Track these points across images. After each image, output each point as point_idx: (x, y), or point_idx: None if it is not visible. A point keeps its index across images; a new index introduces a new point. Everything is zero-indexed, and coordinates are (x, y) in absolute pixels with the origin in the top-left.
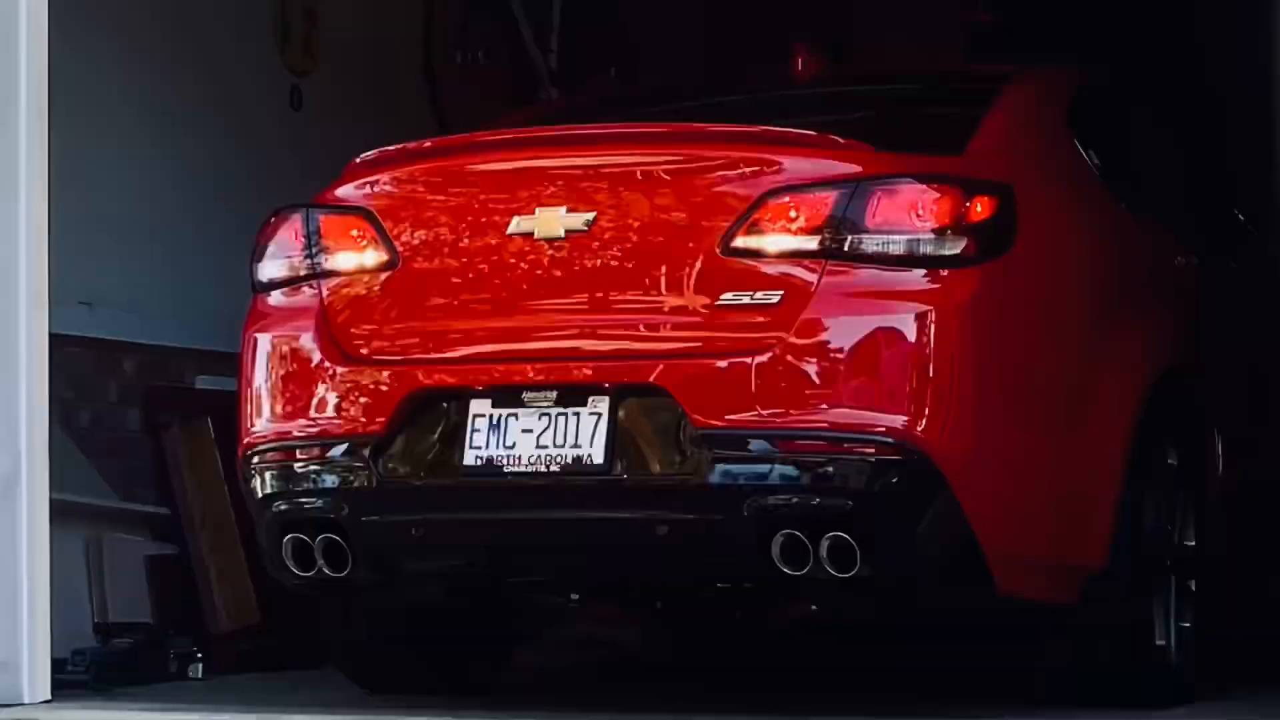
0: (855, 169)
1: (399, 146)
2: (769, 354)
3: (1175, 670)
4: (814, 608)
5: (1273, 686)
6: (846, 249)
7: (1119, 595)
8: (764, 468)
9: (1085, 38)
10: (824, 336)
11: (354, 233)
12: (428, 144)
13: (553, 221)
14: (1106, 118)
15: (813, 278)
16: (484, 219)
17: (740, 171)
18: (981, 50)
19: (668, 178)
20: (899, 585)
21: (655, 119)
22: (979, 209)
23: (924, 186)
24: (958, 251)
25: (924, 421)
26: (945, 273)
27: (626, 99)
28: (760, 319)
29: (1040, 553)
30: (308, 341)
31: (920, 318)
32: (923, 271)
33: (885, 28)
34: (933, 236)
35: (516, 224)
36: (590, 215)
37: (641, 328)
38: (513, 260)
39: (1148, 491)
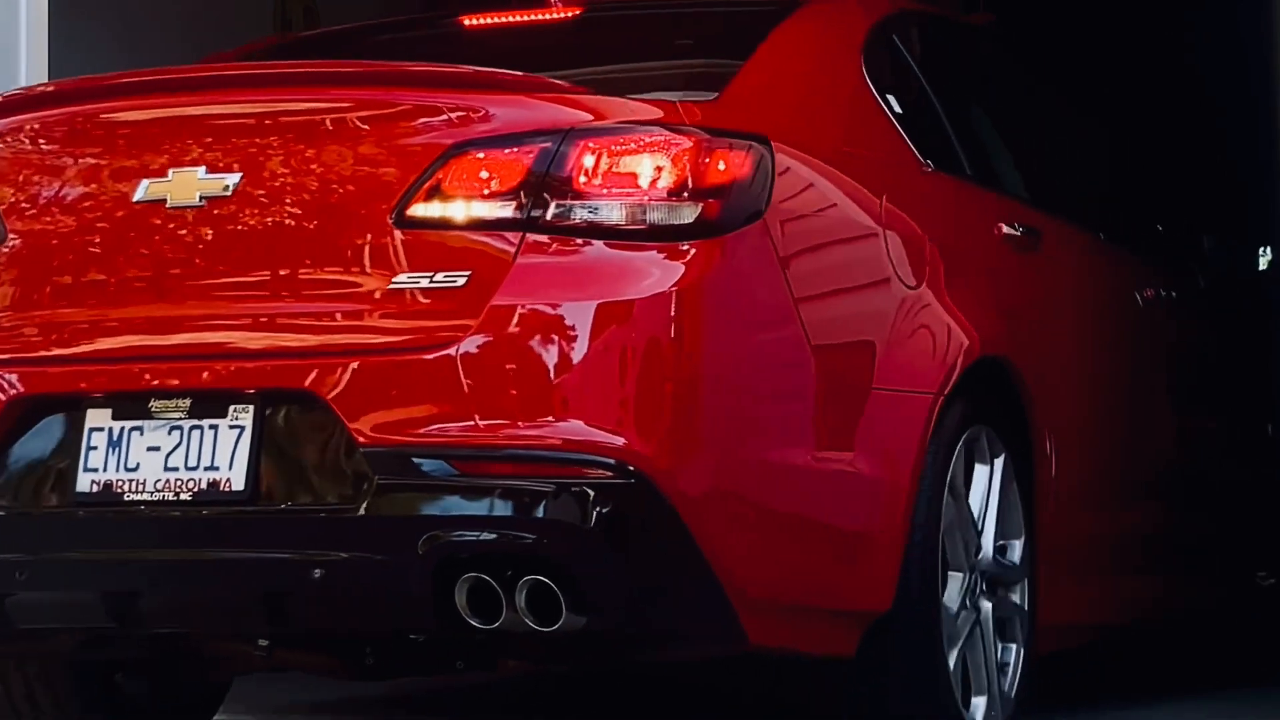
0: (566, 117)
1: (15, 91)
2: (449, 352)
3: None
4: (540, 663)
5: None
6: (550, 218)
7: (907, 644)
8: (442, 496)
9: (1086, 39)
10: (517, 329)
11: None
12: (50, 87)
13: (188, 185)
14: (924, 61)
15: (508, 254)
16: (111, 182)
17: (423, 121)
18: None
19: (335, 129)
20: (622, 639)
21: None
22: (721, 165)
23: (649, 138)
24: (691, 220)
25: (644, 436)
26: (675, 246)
27: (343, 37)
28: (441, 307)
29: (804, 596)
30: None
31: (640, 304)
32: (647, 245)
33: None
34: (660, 201)
35: (146, 189)
36: (235, 177)
37: (295, 319)
38: (142, 235)
39: (952, 513)
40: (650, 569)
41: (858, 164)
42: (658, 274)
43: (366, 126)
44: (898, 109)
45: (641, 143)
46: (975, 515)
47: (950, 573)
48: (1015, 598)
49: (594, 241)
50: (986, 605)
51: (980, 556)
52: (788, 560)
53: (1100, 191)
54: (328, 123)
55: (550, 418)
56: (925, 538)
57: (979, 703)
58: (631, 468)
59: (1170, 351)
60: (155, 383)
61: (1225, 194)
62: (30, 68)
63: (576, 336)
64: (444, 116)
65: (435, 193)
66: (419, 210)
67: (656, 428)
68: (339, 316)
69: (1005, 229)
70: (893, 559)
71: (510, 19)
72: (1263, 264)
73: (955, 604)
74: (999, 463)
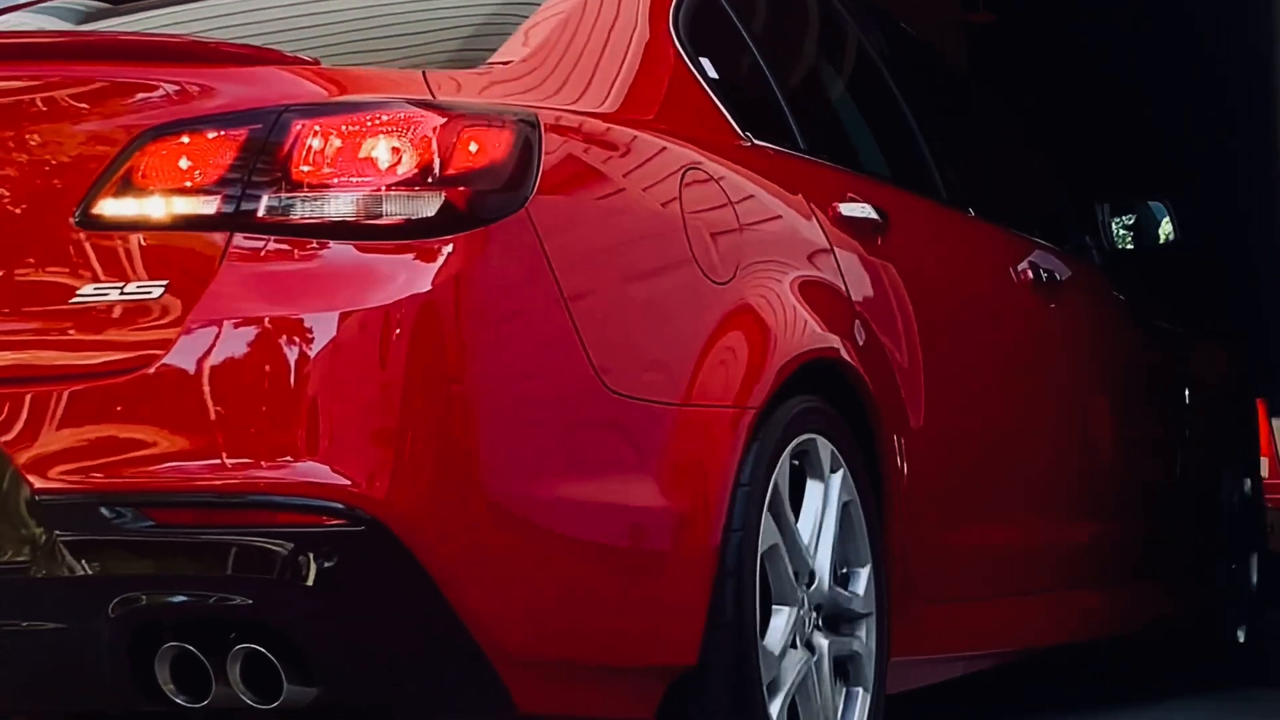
0: (288, 92)
1: None
2: (140, 377)
3: None
4: None
5: None
6: (263, 213)
7: (718, 702)
8: (134, 552)
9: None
10: (218, 349)
11: None
12: None
13: None
14: (756, 22)
15: (211, 259)
16: None
17: (121, 101)
18: (982, 50)
19: (17, 112)
20: (365, 712)
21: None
22: (473, 147)
23: (385, 116)
24: (434, 212)
25: (375, 473)
26: (415, 244)
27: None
28: (132, 324)
29: (587, 653)
30: None
31: (366, 316)
32: (380, 244)
33: None
34: (398, 190)
35: None
36: None
37: None
38: None
39: (775, 541)
40: (388, 631)
41: (655, 138)
42: (391, 278)
43: (55, 109)
44: (714, 75)
45: (375, 121)
46: (806, 541)
47: (775, 608)
48: (860, 632)
49: (318, 241)
50: (823, 643)
51: (814, 588)
52: (566, 613)
53: (972, 162)
54: (9, 104)
55: (261, 455)
56: (739, 576)
57: None
58: (362, 512)
59: (1058, 339)
60: None
61: (1148, 163)
62: None
63: (290, 356)
64: (144, 95)
65: (126, 186)
66: (107, 208)
67: (391, 463)
68: (13, 337)
69: (843, 209)
70: (697, 604)
71: None
72: (1163, 236)
73: (780, 645)
74: (836, 478)
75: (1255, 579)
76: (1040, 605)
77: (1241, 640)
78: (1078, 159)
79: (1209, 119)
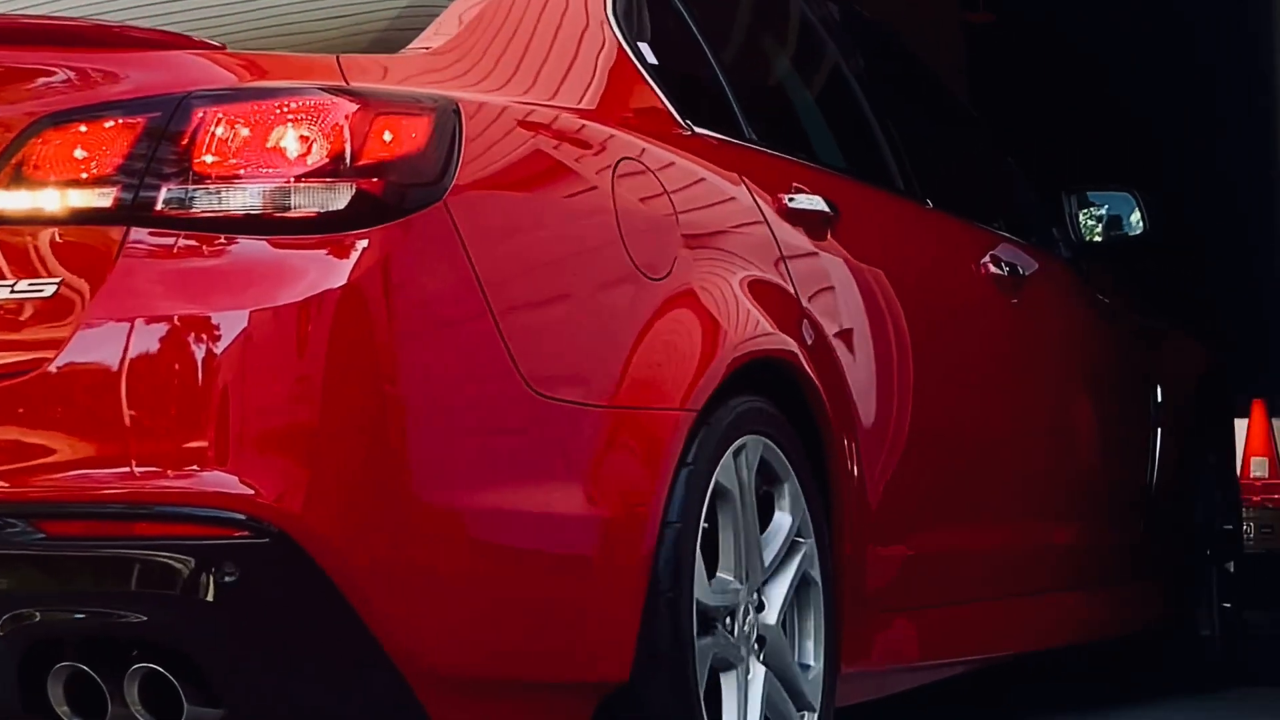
0: (192, 78)
1: None
2: (30, 380)
3: None
4: None
5: None
6: (162, 206)
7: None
8: (23, 566)
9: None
10: (117, 350)
11: None
12: None
13: None
14: (702, 6)
15: (107, 255)
16: None
17: (15, 88)
18: (982, 50)
19: None
20: None
21: None
22: (387, 136)
23: (293, 103)
24: (345, 205)
25: (282, 482)
26: (325, 239)
27: None
28: (22, 324)
29: (513, 669)
30: None
31: (271, 315)
32: (290, 239)
33: None
34: (306, 182)
35: None
36: None
37: None
38: None
39: (720, 549)
40: (296, 649)
41: (586, 125)
42: (300, 275)
43: None
44: (653, 61)
45: (284, 109)
46: (731, 577)
47: (714, 621)
48: (808, 648)
49: (224, 236)
50: (770, 621)
51: (753, 594)
52: (487, 627)
53: (931, 154)
54: None
55: (157, 463)
56: (674, 585)
57: None
58: (266, 523)
59: (1022, 334)
60: None
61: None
62: None
63: (187, 357)
64: (42, 81)
65: (17, 178)
66: None
67: (299, 471)
68: None
69: (791, 200)
70: (629, 616)
71: None
72: (1135, 228)
73: (720, 658)
74: (785, 486)
75: (1236, 538)
76: (1008, 611)
77: (1229, 610)
78: (1075, 157)
79: (1208, 119)
